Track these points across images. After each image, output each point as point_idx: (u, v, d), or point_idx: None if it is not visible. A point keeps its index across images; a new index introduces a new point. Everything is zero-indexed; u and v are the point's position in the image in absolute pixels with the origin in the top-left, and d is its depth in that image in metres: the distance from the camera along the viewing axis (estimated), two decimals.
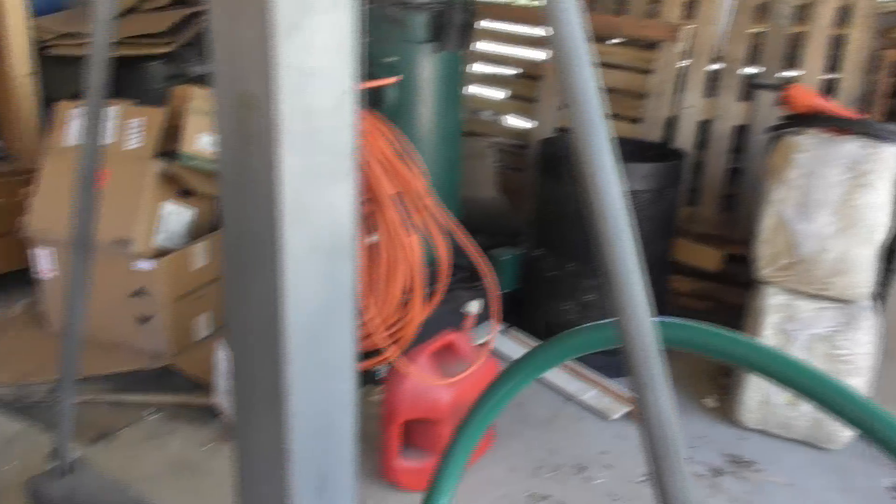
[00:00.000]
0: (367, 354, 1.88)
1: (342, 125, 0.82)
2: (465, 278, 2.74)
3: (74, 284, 1.57)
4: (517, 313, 2.88)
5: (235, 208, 0.86)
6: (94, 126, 1.47)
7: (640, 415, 0.82)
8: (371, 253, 1.87)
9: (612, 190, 0.77)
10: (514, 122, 3.82)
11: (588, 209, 0.79)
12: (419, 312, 1.89)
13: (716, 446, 2.32)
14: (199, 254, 2.83)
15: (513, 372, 1.25)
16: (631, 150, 2.12)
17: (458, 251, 2.41)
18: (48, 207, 2.77)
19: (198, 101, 2.75)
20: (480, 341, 2.05)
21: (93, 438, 2.29)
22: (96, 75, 1.42)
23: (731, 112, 3.16)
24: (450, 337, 1.99)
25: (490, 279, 2.00)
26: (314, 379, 0.93)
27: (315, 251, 0.86)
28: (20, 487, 2.07)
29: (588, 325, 1.19)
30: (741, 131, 3.18)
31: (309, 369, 0.92)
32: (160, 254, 2.69)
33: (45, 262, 2.83)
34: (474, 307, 2.06)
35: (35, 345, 2.83)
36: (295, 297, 0.86)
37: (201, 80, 3.08)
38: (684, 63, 3.27)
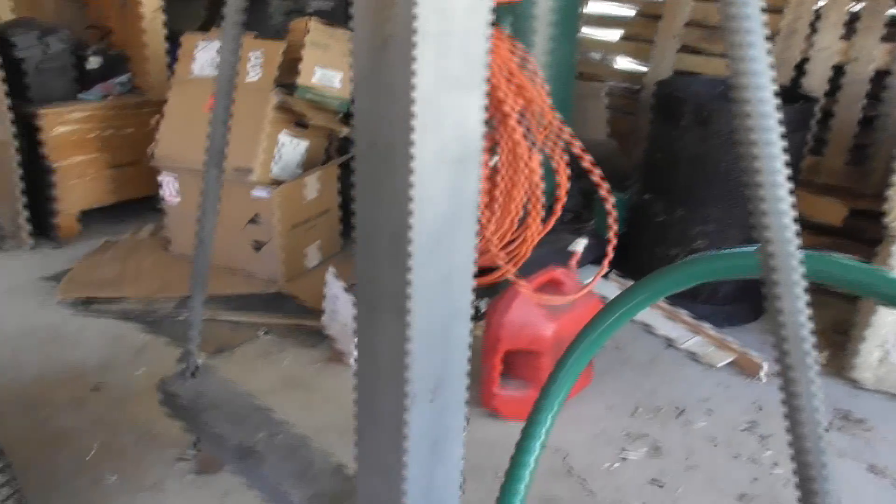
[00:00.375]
0: (482, 272, 1.91)
1: (477, 31, 0.82)
2: (571, 220, 2.71)
3: (206, 206, 1.66)
4: (621, 258, 2.83)
5: (369, 114, 0.89)
6: (229, 57, 1.53)
7: (778, 342, 0.79)
8: (491, 171, 1.87)
9: (767, 104, 0.74)
10: (626, 64, 3.69)
11: (739, 127, 0.75)
12: (536, 230, 1.89)
13: (825, 402, 2.23)
14: (312, 185, 2.94)
15: (620, 302, 1.23)
16: None
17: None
18: (174, 136, 2.94)
19: (315, 34, 2.81)
20: (586, 282, 2.04)
21: (213, 352, 2.47)
22: (233, 7, 1.47)
23: (872, 55, 2.93)
24: (555, 272, 1.99)
25: (606, 190, 1.94)
26: (435, 287, 0.96)
27: (444, 159, 0.88)
28: (149, 389, 2.26)
29: (695, 257, 1.15)
30: (879, 77, 2.94)
31: (431, 277, 0.95)
32: (275, 183, 2.81)
33: (169, 188, 3.02)
34: (580, 245, 2.05)
35: (160, 265, 3.05)
36: (422, 204, 0.89)
37: (318, 15, 3.14)
38: (821, 2, 3.04)
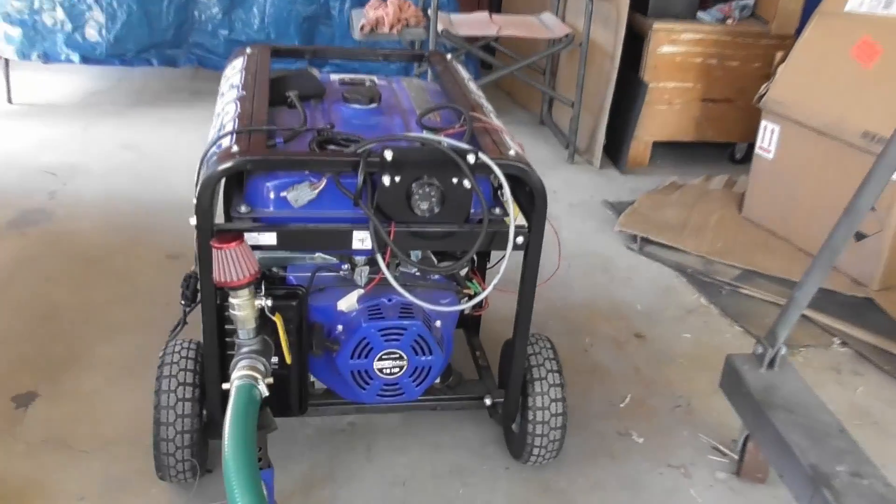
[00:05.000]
0: None
1: None
2: None
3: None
4: None
5: None
6: None
7: None
8: None
9: None
10: None
11: None
12: None
13: None
14: None
15: None
16: None
17: None
18: (797, 79, 2.76)
19: None
20: None
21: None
22: None
23: None
24: None
25: None
26: None
27: None
28: (694, 358, 2.26)
29: None
30: None
31: None
32: None
33: (767, 139, 2.89)
34: None
35: (728, 224, 2.97)
36: None
37: None
38: None
